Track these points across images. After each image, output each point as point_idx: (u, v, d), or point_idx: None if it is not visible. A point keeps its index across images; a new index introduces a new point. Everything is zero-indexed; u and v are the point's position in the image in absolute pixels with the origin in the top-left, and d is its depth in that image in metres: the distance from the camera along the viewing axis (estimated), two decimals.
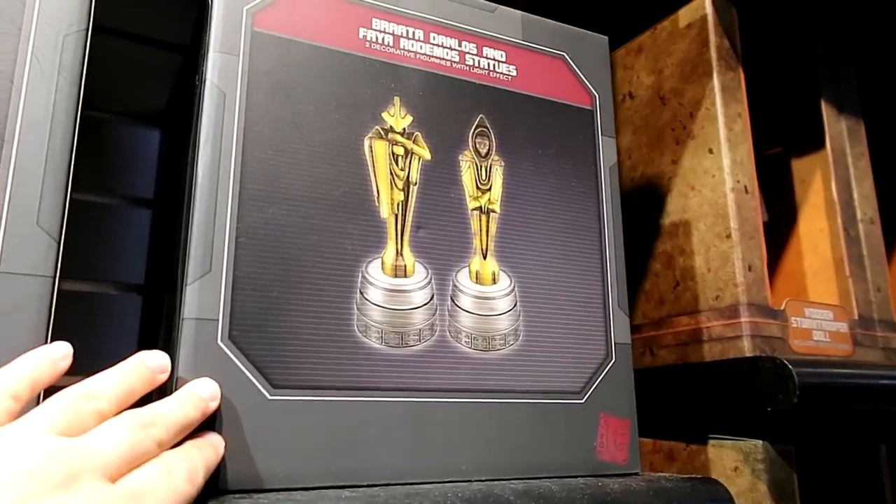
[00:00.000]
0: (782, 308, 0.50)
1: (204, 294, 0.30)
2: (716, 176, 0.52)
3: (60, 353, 0.26)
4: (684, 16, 0.57)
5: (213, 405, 0.28)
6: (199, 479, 0.25)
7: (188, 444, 0.26)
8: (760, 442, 0.45)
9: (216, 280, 0.30)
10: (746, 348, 0.47)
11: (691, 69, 0.55)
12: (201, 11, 0.40)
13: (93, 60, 0.33)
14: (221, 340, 0.30)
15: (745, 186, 0.52)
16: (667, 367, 0.52)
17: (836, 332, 0.53)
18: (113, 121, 0.55)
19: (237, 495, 0.28)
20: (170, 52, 0.56)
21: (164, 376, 0.28)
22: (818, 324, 0.52)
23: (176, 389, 0.29)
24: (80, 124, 0.31)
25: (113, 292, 0.53)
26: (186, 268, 0.30)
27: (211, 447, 0.27)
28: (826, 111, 0.61)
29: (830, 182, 0.60)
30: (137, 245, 0.53)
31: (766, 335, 0.48)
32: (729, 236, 0.50)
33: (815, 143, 0.61)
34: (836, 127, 0.61)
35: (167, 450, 0.25)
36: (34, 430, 0.22)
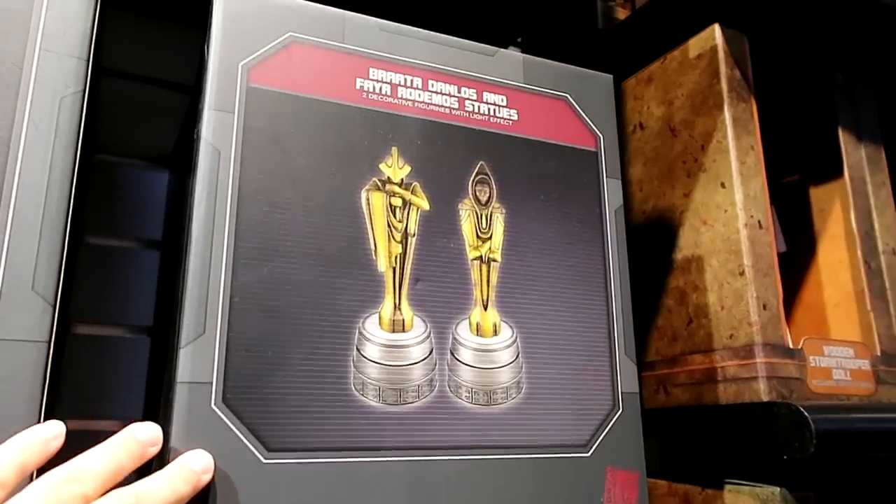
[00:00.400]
0: (800, 347, 0.49)
1: (197, 357, 0.30)
2: (728, 211, 0.51)
3: (52, 433, 0.26)
4: (694, 46, 0.56)
5: (206, 478, 0.28)
6: None
7: None
8: (778, 489, 0.44)
9: (210, 342, 0.30)
10: (762, 391, 0.46)
11: (702, 101, 0.54)
12: (201, 62, 0.40)
13: (102, 104, 0.33)
14: (215, 404, 0.30)
15: (759, 221, 0.50)
16: (681, 408, 0.51)
17: (857, 370, 0.51)
18: (123, 164, 0.55)
19: None
20: (177, 92, 0.57)
21: (154, 449, 0.28)
22: (838, 362, 0.50)
23: (170, 455, 0.28)
24: (90, 168, 0.32)
25: (124, 335, 0.53)
26: (180, 330, 0.30)
27: None
28: (844, 138, 0.59)
29: (850, 212, 0.58)
30: (147, 287, 0.54)
31: (782, 376, 0.47)
32: (742, 273, 0.49)
33: (833, 171, 0.60)
34: (855, 155, 0.60)
35: None
36: None
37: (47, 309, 0.30)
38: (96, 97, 0.39)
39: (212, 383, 0.30)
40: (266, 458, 0.30)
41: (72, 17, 0.33)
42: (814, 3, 0.55)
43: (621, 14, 0.66)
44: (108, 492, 0.24)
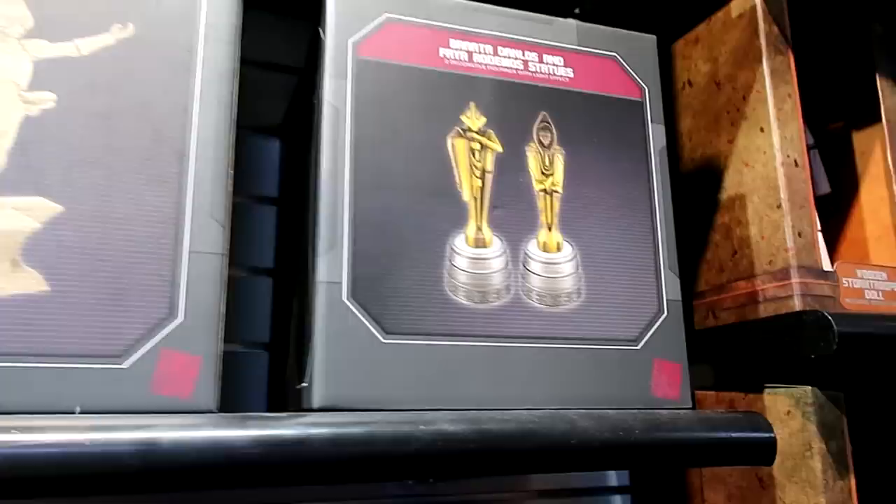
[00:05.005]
0: (833, 269, 0.55)
1: (331, 264, 0.40)
2: (767, 152, 0.57)
3: None
4: (736, 6, 0.62)
5: None
6: None
7: None
8: (810, 388, 0.51)
9: (339, 253, 0.40)
10: (797, 306, 0.52)
11: (743, 55, 0.60)
12: (313, 42, 0.50)
13: None
14: (345, 298, 0.39)
15: (795, 160, 0.56)
16: (726, 326, 0.58)
17: (890, 291, 0.56)
18: (241, 133, 0.66)
19: (363, 412, 0.37)
20: (283, 73, 0.67)
21: None
22: (871, 283, 0.56)
23: (311, 344, 0.38)
24: None
25: (246, 276, 0.64)
26: (317, 245, 0.40)
27: None
28: (881, 85, 0.64)
29: (887, 153, 0.63)
30: (266, 235, 0.64)
31: (816, 294, 0.53)
32: (780, 206, 0.55)
33: (872, 116, 0.65)
34: (892, 100, 0.64)
35: None
36: None
37: (220, 230, 0.40)
38: None
39: (342, 283, 0.39)
40: (384, 339, 0.39)
41: (225, 9, 0.43)
42: None
43: None
44: None
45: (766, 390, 0.54)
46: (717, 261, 0.61)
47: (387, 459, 0.33)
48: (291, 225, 0.59)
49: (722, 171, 0.62)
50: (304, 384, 0.42)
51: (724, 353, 0.58)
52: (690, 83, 0.67)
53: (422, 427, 0.34)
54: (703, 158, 0.64)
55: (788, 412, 0.51)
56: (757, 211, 0.57)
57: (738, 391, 0.56)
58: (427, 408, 0.39)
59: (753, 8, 0.60)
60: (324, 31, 0.44)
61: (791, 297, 0.53)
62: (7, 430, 0.28)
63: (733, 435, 0.41)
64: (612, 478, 0.74)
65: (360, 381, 0.38)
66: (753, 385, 0.55)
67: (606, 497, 0.74)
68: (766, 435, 0.41)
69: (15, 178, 0.37)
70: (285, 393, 0.52)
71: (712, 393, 0.59)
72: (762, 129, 0.58)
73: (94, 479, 0.28)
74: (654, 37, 0.52)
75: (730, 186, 0.61)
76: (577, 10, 0.77)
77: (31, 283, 0.36)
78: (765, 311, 0.55)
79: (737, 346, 0.56)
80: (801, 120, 0.58)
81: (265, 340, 0.61)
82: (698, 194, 0.63)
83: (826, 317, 0.46)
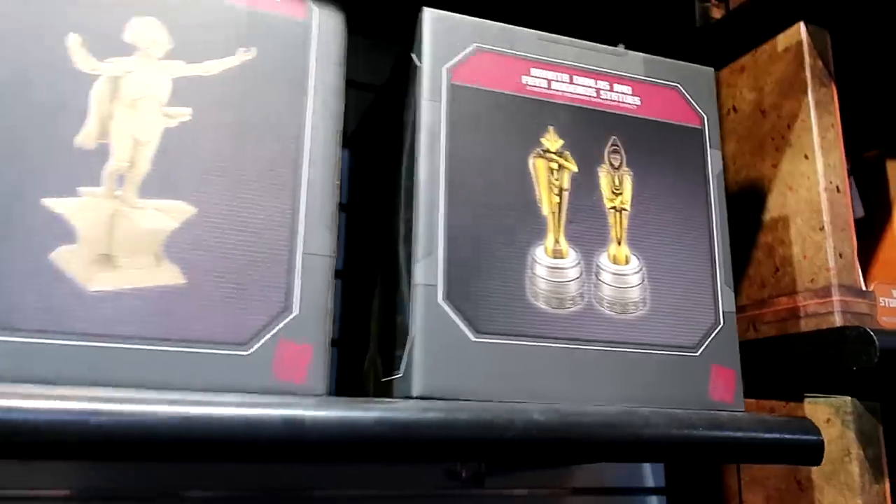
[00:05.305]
0: (871, 289, 0.59)
1: (428, 269, 0.44)
2: (811, 178, 0.61)
3: None
4: (782, 41, 0.67)
5: None
6: None
7: None
8: (849, 398, 0.55)
9: (435, 259, 0.44)
10: (837, 322, 0.56)
11: (789, 87, 0.65)
12: (400, 65, 0.55)
13: None
14: (441, 300, 0.44)
15: (837, 186, 0.61)
16: (768, 339, 0.62)
17: None
18: None
19: (454, 400, 0.41)
20: (356, 90, 0.71)
21: None
22: None
23: (409, 340, 0.43)
24: None
25: None
26: (416, 252, 0.44)
27: None
28: None
29: None
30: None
31: (855, 311, 0.57)
32: (822, 229, 0.59)
33: None
34: None
35: None
36: None
37: (328, 234, 0.44)
38: None
39: (437, 286, 0.44)
40: (475, 337, 0.44)
41: (334, 35, 0.47)
42: (890, 2, 0.64)
43: (716, 13, 0.76)
44: None
45: (807, 399, 0.58)
46: (758, 277, 0.65)
47: (487, 443, 0.38)
48: (365, 230, 0.63)
49: (765, 193, 0.66)
50: (395, 376, 0.46)
51: (764, 363, 0.62)
52: (735, 109, 0.71)
53: (517, 416, 0.38)
54: (746, 181, 0.69)
55: (828, 420, 0.55)
56: (800, 232, 0.62)
57: (778, 400, 0.60)
58: (508, 400, 0.43)
59: (800, 43, 0.65)
60: (419, 58, 0.49)
61: (832, 313, 0.57)
62: (181, 402, 0.32)
63: (786, 436, 0.45)
64: (649, 479, 0.78)
65: (452, 374, 0.43)
66: (794, 394, 0.59)
67: (642, 497, 0.78)
68: (816, 437, 0.45)
69: (157, 183, 0.41)
70: (361, 384, 0.56)
71: (753, 401, 0.63)
72: (806, 156, 0.62)
73: (250, 446, 0.33)
74: (711, 69, 0.56)
75: (773, 208, 0.65)
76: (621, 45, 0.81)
77: (170, 276, 0.41)
78: (806, 325, 0.59)
79: (777, 357, 0.60)
80: (842, 149, 0.62)
81: (335, 337, 0.65)
82: (741, 214, 0.68)
83: (869, 333, 0.51)
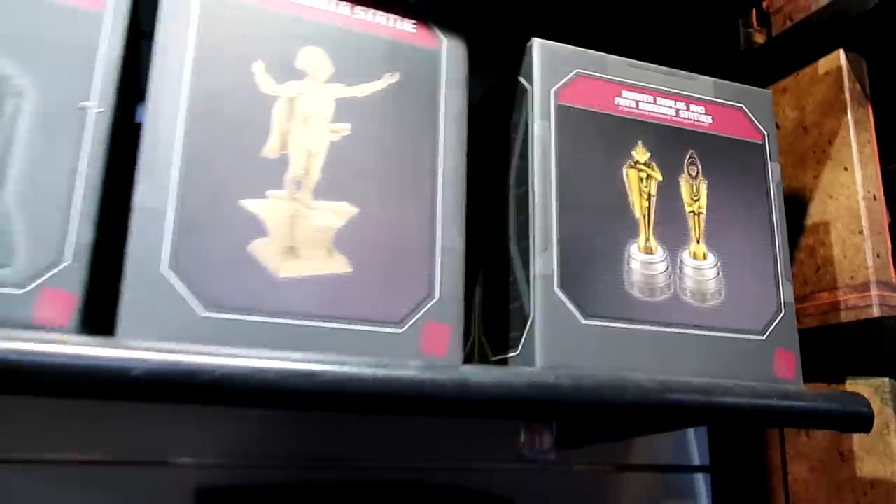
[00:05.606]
0: None
1: (545, 262, 0.52)
2: (850, 188, 0.70)
3: None
4: (823, 65, 0.75)
5: None
6: None
7: None
8: (887, 379, 0.63)
9: (551, 254, 0.52)
10: (876, 313, 0.65)
11: (829, 107, 0.73)
12: (502, 87, 0.63)
13: None
14: (556, 288, 0.52)
15: (874, 195, 0.69)
16: (812, 329, 0.70)
17: None
18: None
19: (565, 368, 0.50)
20: None
21: None
22: None
23: (530, 322, 0.51)
24: None
25: None
26: (533, 248, 0.53)
27: None
28: None
29: None
30: None
31: (891, 304, 0.66)
32: (861, 232, 0.68)
33: None
34: None
35: None
36: None
37: (459, 231, 0.52)
38: None
39: (553, 276, 0.52)
40: (584, 320, 0.52)
41: (459, 63, 0.56)
42: None
43: (759, 38, 0.85)
44: None
45: (848, 381, 0.66)
46: (801, 275, 0.74)
47: (609, 405, 0.46)
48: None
49: (807, 201, 0.75)
50: (510, 354, 0.54)
51: (808, 351, 0.70)
52: (778, 126, 0.80)
53: (630, 383, 0.47)
54: (788, 190, 0.77)
55: (869, 398, 0.64)
56: (840, 235, 0.70)
57: (823, 382, 0.69)
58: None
59: (839, 68, 0.73)
60: (528, 81, 0.57)
61: (871, 306, 0.66)
62: (384, 365, 0.40)
63: (842, 407, 0.53)
64: (694, 457, 0.86)
65: (566, 351, 0.51)
66: (836, 377, 0.68)
67: (687, 475, 0.86)
68: (866, 409, 0.54)
69: (326, 187, 0.49)
70: (468, 362, 0.64)
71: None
72: (846, 168, 0.71)
73: (431, 402, 0.41)
74: (770, 92, 0.65)
75: (814, 214, 0.74)
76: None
77: (339, 265, 0.49)
78: (846, 317, 0.68)
79: (821, 345, 0.69)
80: (877, 162, 0.71)
81: None
82: (786, 220, 0.76)
83: None
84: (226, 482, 0.72)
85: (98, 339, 0.38)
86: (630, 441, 0.84)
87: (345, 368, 0.40)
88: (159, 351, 0.37)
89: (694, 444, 0.86)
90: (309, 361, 0.41)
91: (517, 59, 0.59)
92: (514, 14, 0.74)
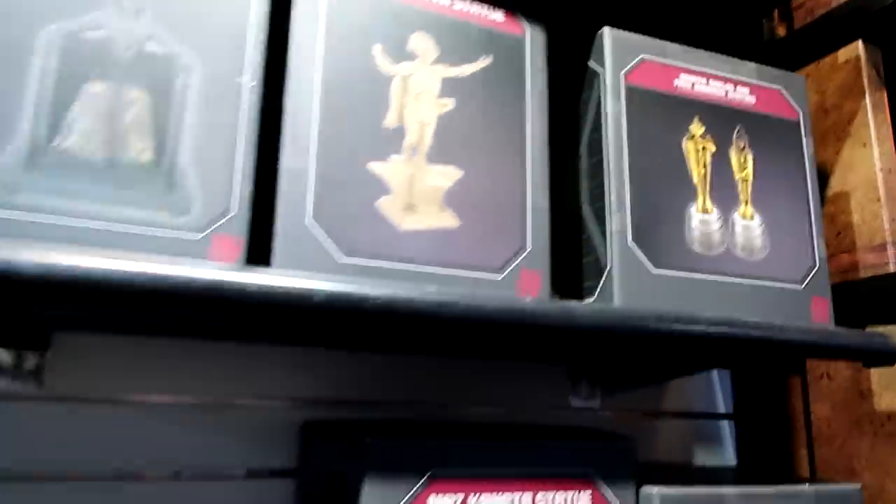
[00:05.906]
0: None
1: (620, 220, 0.61)
2: (868, 161, 0.79)
3: None
4: (842, 55, 0.84)
5: None
6: None
7: None
8: None
9: (625, 213, 0.61)
10: (892, 269, 0.74)
11: (849, 91, 0.82)
12: (572, 69, 0.71)
13: None
14: (630, 242, 0.60)
15: (890, 168, 0.78)
16: (834, 285, 0.79)
17: None
18: None
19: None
20: None
21: None
22: None
23: (607, 272, 0.59)
24: None
25: None
26: (609, 208, 0.61)
27: None
28: None
29: None
30: None
31: None
32: (878, 200, 0.77)
33: None
34: None
35: None
36: None
37: (544, 193, 0.61)
38: None
39: (627, 232, 0.60)
40: (654, 270, 0.60)
41: (540, 45, 0.64)
42: None
43: (780, 30, 0.94)
44: None
45: (868, 327, 0.75)
46: None
47: (677, 335, 0.54)
48: None
49: (829, 174, 0.84)
50: (587, 301, 0.63)
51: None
52: None
53: (696, 318, 0.55)
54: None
55: None
56: (859, 203, 0.79)
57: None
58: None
59: (858, 57, 0.82)
60: (601, 65, 0.65)
61: (887, 263, 0.75)
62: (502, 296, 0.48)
63: (872, 342, 0.62)
64: (719, 404, 0.95)
65: (639, 296, 0.59)
66: (857, 324, 0.77)
67: (714, 423, 0.95)
68: (892, 345, 0.63)
69: (437, 153, 0.57)
70: None
71: None
72: (864, 145, 0.80)
73: (539, 329, 0.49)
74: (803, 77, 0.73)
75: (835, 185, 0.82)
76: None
77: (448, 220, 0.56)
78: (864, 274, 0.77)
79: (842, 299, 0.78)
80: (892, 140, 0.80)
81: None
82: None
83: None
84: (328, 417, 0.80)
85: (282, 271, 0.45)
86: (665, 391, 0.93)
87: (476, 301, 0.48)
88: (333, 281, 0.45)
89: (720, 395, 0.95)
90: (441, 295, 0.49)
91: (585, 46, 0.67)
92: (572, 6, 0.82)
